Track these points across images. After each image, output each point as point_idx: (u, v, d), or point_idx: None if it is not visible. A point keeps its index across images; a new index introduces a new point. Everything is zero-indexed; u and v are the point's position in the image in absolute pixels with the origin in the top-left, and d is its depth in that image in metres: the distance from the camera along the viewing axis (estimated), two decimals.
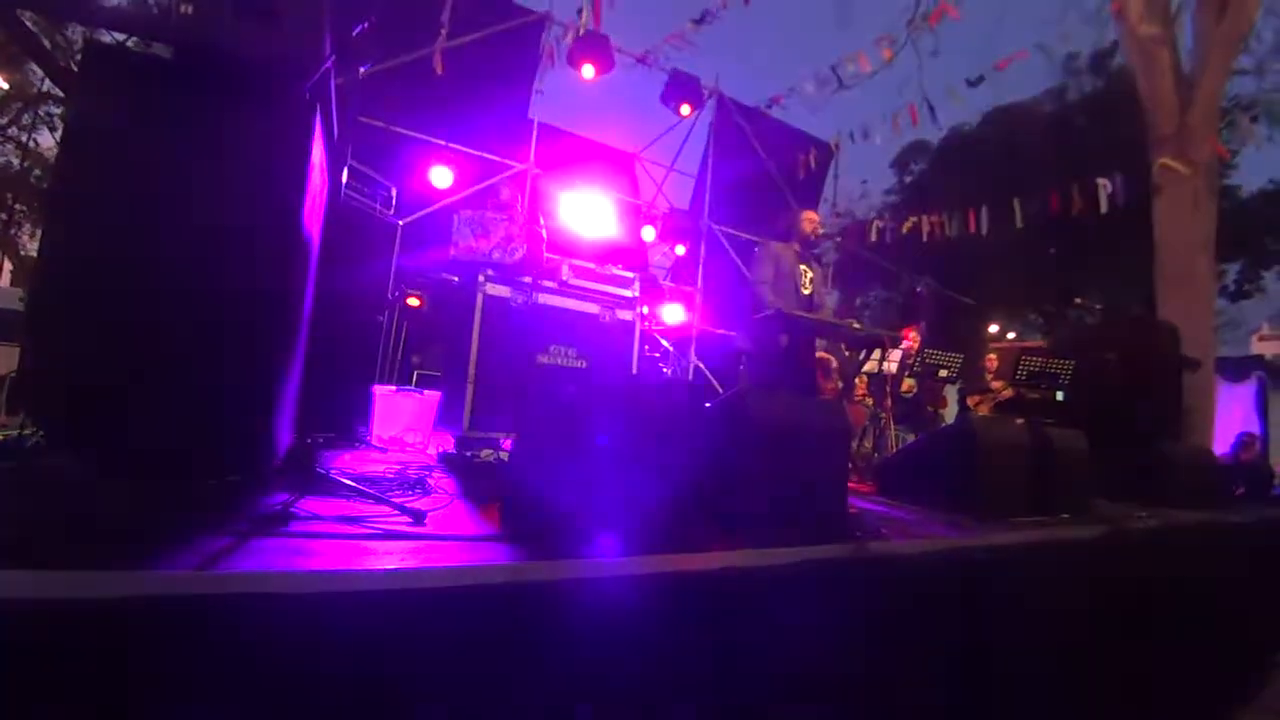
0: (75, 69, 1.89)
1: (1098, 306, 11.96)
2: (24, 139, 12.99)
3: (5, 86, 12.44)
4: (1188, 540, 2.97)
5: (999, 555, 2.01)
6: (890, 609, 1.64)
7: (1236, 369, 11.09)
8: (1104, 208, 7.46)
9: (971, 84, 8.17)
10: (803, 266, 3.90)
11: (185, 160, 1.80)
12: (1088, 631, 2.28)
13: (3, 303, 7.51)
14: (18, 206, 13.03)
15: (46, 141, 12.57)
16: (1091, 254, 16.54)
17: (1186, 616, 2.78)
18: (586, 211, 7.15)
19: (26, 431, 1.86)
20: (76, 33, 11.16)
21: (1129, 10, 7.90)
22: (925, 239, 8.64)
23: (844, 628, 1.52)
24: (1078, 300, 12.27)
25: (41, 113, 12.46)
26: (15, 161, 13.04)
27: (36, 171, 12.40)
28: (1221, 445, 8.22)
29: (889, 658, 1.60)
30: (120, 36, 2.19)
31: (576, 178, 7.30)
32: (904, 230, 8.86)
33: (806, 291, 3.88)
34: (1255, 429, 10.17)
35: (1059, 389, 4.73)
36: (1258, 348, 27.71)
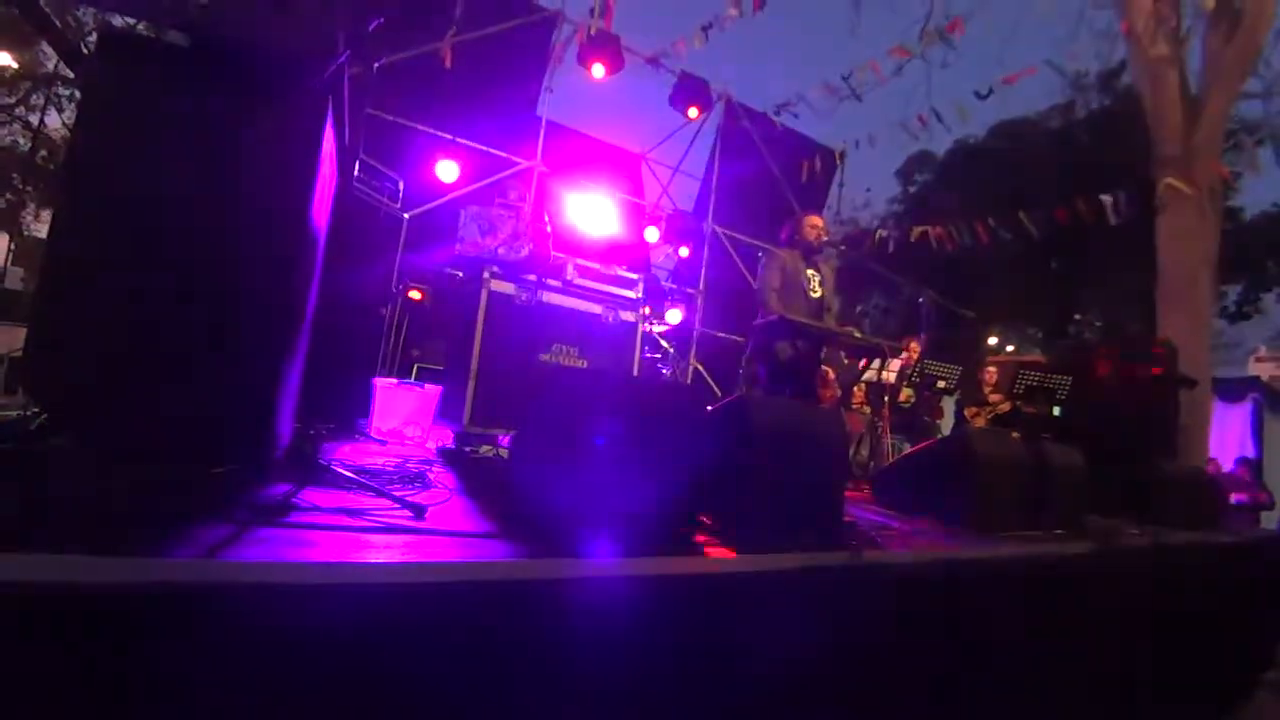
0: (86, 50, 1.89)
1: (1097, 323, 11.99)
2: (32, 120, 12.97)
3: (14, 65, 12.41)
4: (1179, 558, 2.99)
5: (992, 567, 2.03)
6: (883, 616, 1.65)
7: (1233, 390, 11.10)
8: (1111, 221, 7.50)
9: (981, 96, 8.20)
10: (809, 271, 3.90)
11: (195, 149, 1.80)
12: (1077, 643, 2.30)
13: (5, 282, 7.49)
14: (26, 188, 13.01)
15: (54, 123, 12.56)
16: (1092, 270, 16.58)
17: (1175, 630, 2.80)
18: (592, 211, 7.17)
19: (29, 413, 1.87)
20: (88, 15, 11.15)
21: (1138, 30, 7.93)
22: (928, 249, 8.67)
23: (838, 633, 1.53)
24: (1077, 316, 12.29)
25: (51, 93, 12.44)
26: (22, 142, 13.00)
27: (43, 152, 12.38)
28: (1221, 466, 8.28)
29: (881, 664, 1.62)
30: (132, 21, 2.19)
31: (583, 177, 7.31)
32: (911, 239, 8.87)
33: (816, 295, 3.88)
34: (1250, 451, 10.19)
35: (1056, 404, 4.75)
36: (1254, 369, 27.68)
